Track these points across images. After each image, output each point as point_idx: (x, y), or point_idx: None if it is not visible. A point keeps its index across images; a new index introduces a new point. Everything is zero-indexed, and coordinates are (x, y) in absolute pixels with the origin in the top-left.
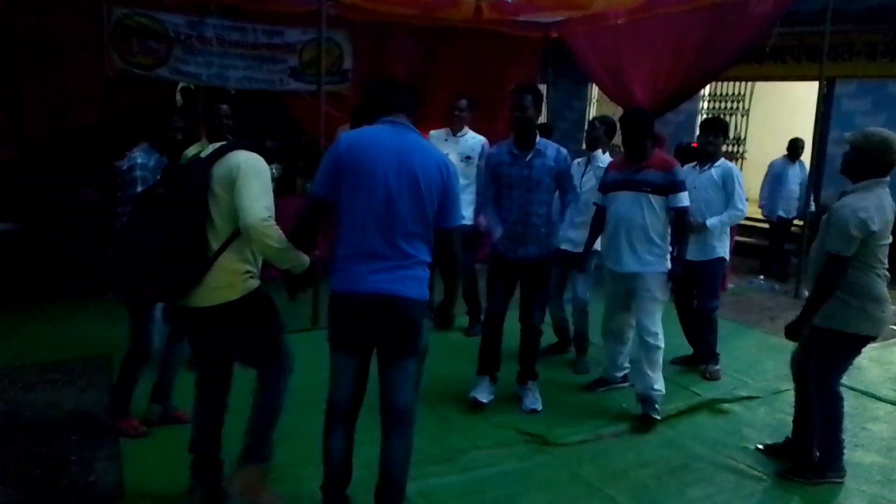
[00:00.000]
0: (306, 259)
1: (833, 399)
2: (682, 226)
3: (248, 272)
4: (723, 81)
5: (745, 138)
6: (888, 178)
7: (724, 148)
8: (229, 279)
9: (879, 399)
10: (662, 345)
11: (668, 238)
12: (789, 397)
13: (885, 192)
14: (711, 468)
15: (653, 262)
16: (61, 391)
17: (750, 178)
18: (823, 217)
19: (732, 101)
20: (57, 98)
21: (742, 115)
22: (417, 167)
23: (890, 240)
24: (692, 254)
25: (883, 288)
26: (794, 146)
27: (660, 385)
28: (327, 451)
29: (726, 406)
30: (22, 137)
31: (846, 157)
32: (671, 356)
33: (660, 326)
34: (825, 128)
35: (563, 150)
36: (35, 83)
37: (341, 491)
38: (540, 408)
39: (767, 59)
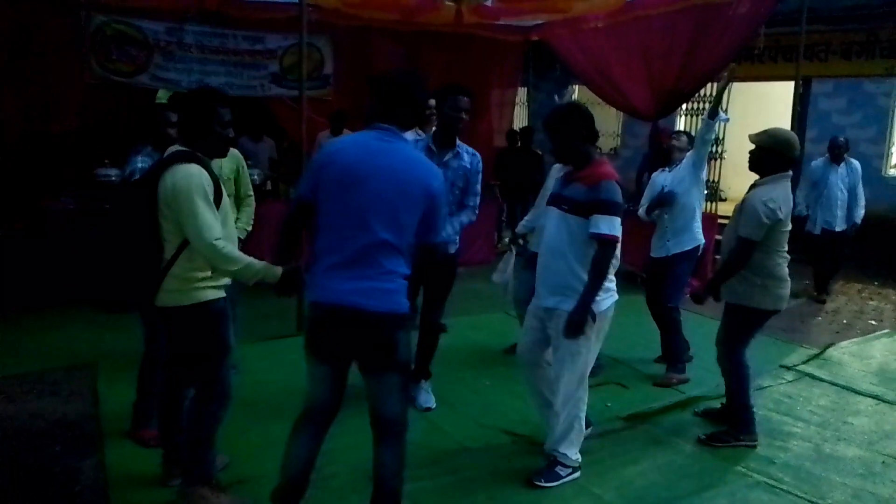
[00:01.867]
0: (276, 270)
1: (739, 367)
2: (598, 260)
3: (202, 280)
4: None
5: (723, 138)
6: (790, 173)
7: None
8: (180, 285)
9: (860, 393)
10: (582, 409)
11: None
12: (772, 393)
13: (788, 185)
14: (698, 466)
15: (570, 300)
16: (45, 401)
17: (729, 177)
18: (736, 205)
19: (709, 102)
20: (36, 105)
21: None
22: (394, 177)
23: (790, 227)
24: (664, 249)
25: (784, 269)
26: (835, 146)
27: (567, 450)
28: (288, 455)
29: (711, 403)
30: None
31: (753, 156)
32: (653, 354)
33: (576, 385)
34: (802, 127)
35: (478, 155)
36: (13, 89)
37: (296, 499)
38: (434, 405)
39: (745, 60)
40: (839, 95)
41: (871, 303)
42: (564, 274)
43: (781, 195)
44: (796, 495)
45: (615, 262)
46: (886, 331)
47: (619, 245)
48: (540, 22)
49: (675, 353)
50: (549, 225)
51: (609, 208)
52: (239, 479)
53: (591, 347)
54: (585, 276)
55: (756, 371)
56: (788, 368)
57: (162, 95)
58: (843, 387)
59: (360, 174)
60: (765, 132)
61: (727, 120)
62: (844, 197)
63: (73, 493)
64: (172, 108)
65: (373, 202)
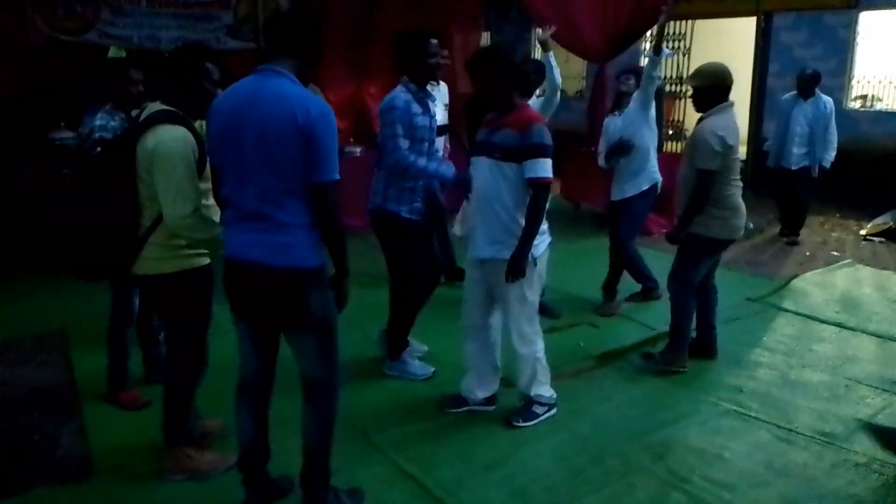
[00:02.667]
0: None
1: (686, 294)
2: (537, 203)
3: (184, 247)
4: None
5: (686, 76)
6: (732, 101)
7: (666, 88)
8: (161, 253)
9: (823, 322)
10: (540, 348)
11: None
12: (740, 325)
13: (733, 113)
14: (671, 398)
15: (508, 248)
16: (17, 370)
17: (693, 116)
18: (686, 143)
19: (673, 41)
20: None
21: (683, 54)
22: (262, 115)
23: (740, 154)
24: (622, 192)
25: (738, 198)
26: (801, 79)
27: (539, 389)
28: (238, 428)
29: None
30: None
31: (696, 97)
32: (623, 294)
33: (528, 324)
34: (765, 61)
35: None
36: None
37: (257, 469)
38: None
39: None
40: (800, 28)
41: (833, 234)
42: (502, 222)
43: (729, 123)
44: (764, 421)
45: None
46: (848, 261)
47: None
48: None
49: (645, 282)
50: (479, 175)
51: (542, 151)
52: (228, 435)
53: (534, 290)
54: (523, 222)
55: (724, 305)
56: (754, 301)
57: (113, 53)
58: (808, 316)
59: (235, 121)
60: (698, 71)
61: (671, 54)
62: (804, 133)
63: (54, 460)
64: (135, 65)
65: (251, 149)
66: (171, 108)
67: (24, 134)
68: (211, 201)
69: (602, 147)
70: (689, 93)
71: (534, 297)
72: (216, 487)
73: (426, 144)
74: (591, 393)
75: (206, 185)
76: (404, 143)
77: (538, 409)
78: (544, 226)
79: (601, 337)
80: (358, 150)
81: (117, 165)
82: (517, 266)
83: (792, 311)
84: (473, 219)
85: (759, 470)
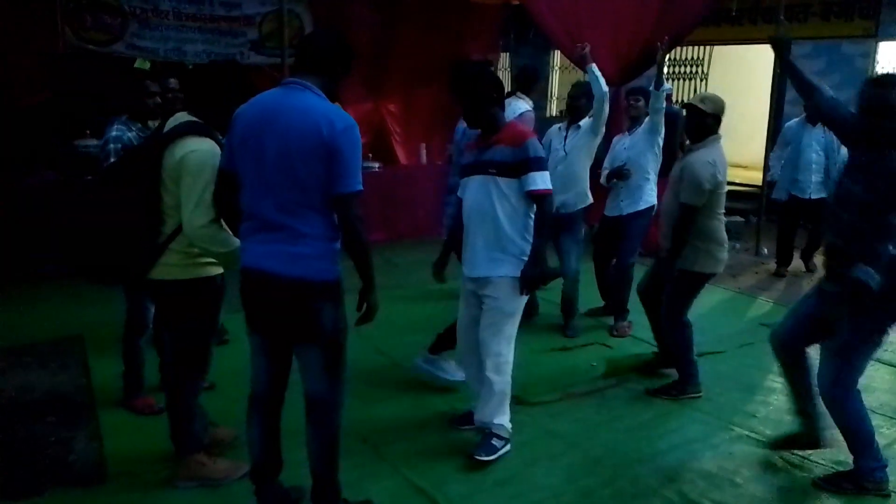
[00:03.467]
0: None
1: (682, 328)
2: (543, 215)
3: (200, 256)
4: (682, 46)
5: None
6: (720, 133)
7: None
8: (179, 259)
9: None
10: (509, 380)
11: (531, 233)
12: (753, 350)
13: (721, 146)
14: (683, 421)
15: (504, 264)
16: (34, 374)
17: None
18: (674, 173)
19: (691, 66)
20: (9, 76)
21: (701, 80)
22: (286, 127)
23: (726, 188)
24: (618, 209)
25: (723, 232)
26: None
27: (501, 419)
28: (248, 440)
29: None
30: None
31: (696, 121)
32: (585, 307)
33: (507, 347)
34: (782, 89)
35: None
36: None
37: (269, 480)
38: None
39: (725, 22)
40: (818, 57)
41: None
42: (498, 238)
43: (718, 158)
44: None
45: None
46: None
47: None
48: None
49: (623, 304)
50: (472, 194)
51: (539, 164)
52: (241, 444)
53: (518, 313)
54: (518, 238)
55: (737, 329)
56: (768, 326)
57: (139, 64)
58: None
59: (258, 133)
60: (707, 97)
61: (670, 90)
62: (821, 160)
63: (68, 463)
64: (152, 77)
65: (272, 161)
66: (198, 120)
67: (48, 142)
68: None
69: (607, 163)
70: (690, 115)
71: (517, 316)
72: (228, 495)
73: None
74: (603, 413)
75: None
76: None
77: (497, 443)
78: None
79: (613, 357)
80: (376, 165)
81: (142, 173)
82: (531, 277)
83: None
84: (466, 237)
85: (770, 496)
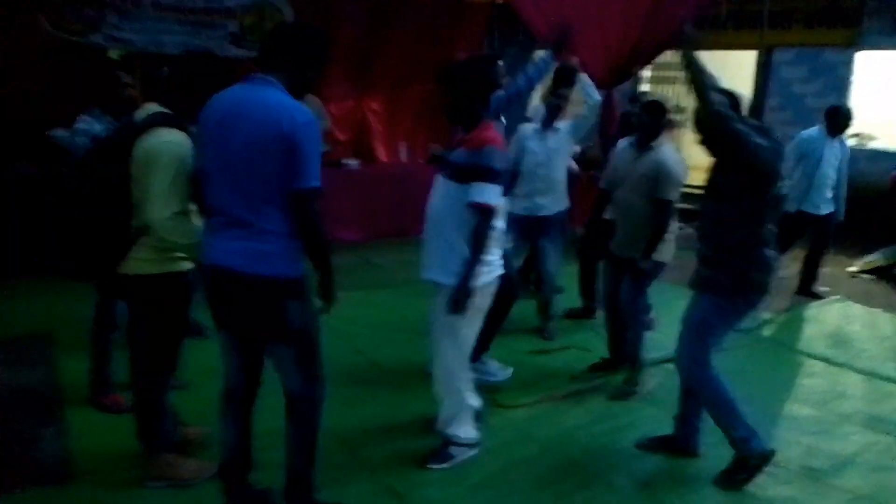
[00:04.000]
0: None
1: (640, 314)
2: (476, 231)
3: (171, 250)
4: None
5: (685, 107)
6: None
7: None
8: (149, 254)
9: (814, 356)
10: (465, 387)
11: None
12: (731, 356)
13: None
14: (660, 426)
15: (453, 273)
16: (2, 370)
17: (689, 145)
18: (636, 172)
19: (674, 70)
20: None
21: (683, 84)
22: (249, 123)
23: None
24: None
25: (675, 223)
26: (836, 116)
27: (456, 429)
28: (221, 437)
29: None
30: None
31: (649, 124)
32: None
33: (458, 364)
34: (763, 96)
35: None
36: None
37: (238, 478)
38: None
39: (708, 27)
40: (800, 64)
41: (824, 270)
42: (445, 244)
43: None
44: None
45: (496, 234)
46: (838, 297)
47: (496, 215)
48: None
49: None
50: (434, 192)
51: (485, 174)
52: (211, 444)
53: (470, 323)
54: (462, 248)
55: None
56: (746, 332)
57: (112, 54)
58: (798, 350)
59: (224, 129)
60: (650, 99)
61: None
62: (835, 177)
63: (35, 462)
64: (126, 69)
65: (236, 156)
66: (170, 112)
67: (24, 134)
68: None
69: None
70: (685, 118)
71: (468, 329)
72: (197, 495)
73: None
74: (581, 417)
75: None
76: None
77: (454, 451)
78: (493, 256)
79: (592, 360)
80: (356, 163)
81: (112, 165)
82: (456, 297)
83: (782, 345)
84: (424, 237)
85: (744, 501)
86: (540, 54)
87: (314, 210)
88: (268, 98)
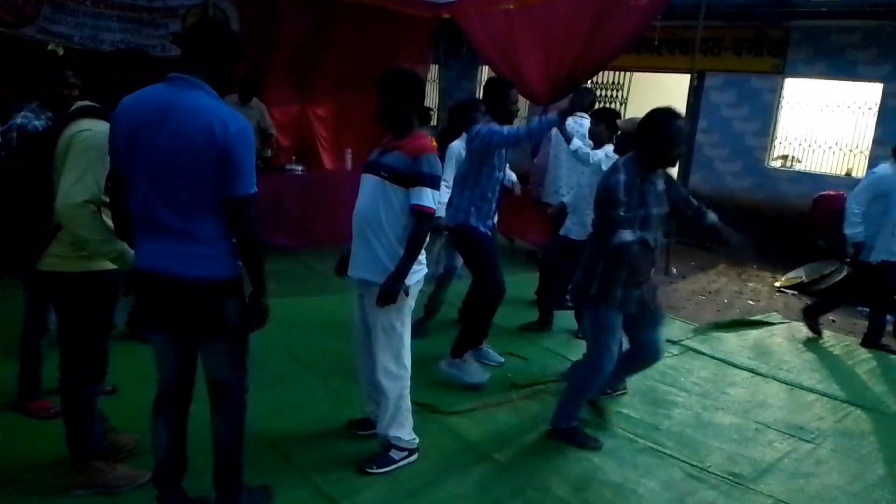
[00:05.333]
0: (132, 255)
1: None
2: (416, 232)
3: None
4: (604, 70)
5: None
6: None
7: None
8: (69, 251)
9: (737, 367)
10: (405, 386)
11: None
12: (658, 365)
13: None
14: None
15: (381, 272)
16: None
17: None
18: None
19: (612, 90)
20: None
21: (620, 104)
22: (177, 128)
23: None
24: (576, 232)
25: None
26: None
27: (398, 432)
28: (154, 440)
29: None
30: None
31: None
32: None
33: (395, 360)
34: (695, 118)
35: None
36: None
37: (173, 483)
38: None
39: (645, 51)
40: (729, 89)
41: (749, 285)
42: (378, 245)
43: None
44: (678, 459)
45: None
46: (763, 309)
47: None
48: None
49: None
50: (362, 193)
51: (429, 181)
52: (142, 452)
53: (404, 322)
54: (398, 248)
55: None
56: (674, 343)
57: (53, 47)
58: (722, 360)
59: (147, 131)
60: (631, 121)
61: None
62: None
63: None
64: (73, 68)
65: (164, 162)
66: (97, 105)
67: None
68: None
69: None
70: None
71: (403, 328)
72: (127, 503)
73: (502, 174)
74: (517, 425)
75: None
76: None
77: (395, 455)
78: (422, 256)
79: (528, 369)
80: (300, 168)
81: (38, 159)
82: (389, 291)
83: (708, 355)
84: (353, 237)
85: None
86: (549, 116)
87: (249, 216)
88: (197, 102)
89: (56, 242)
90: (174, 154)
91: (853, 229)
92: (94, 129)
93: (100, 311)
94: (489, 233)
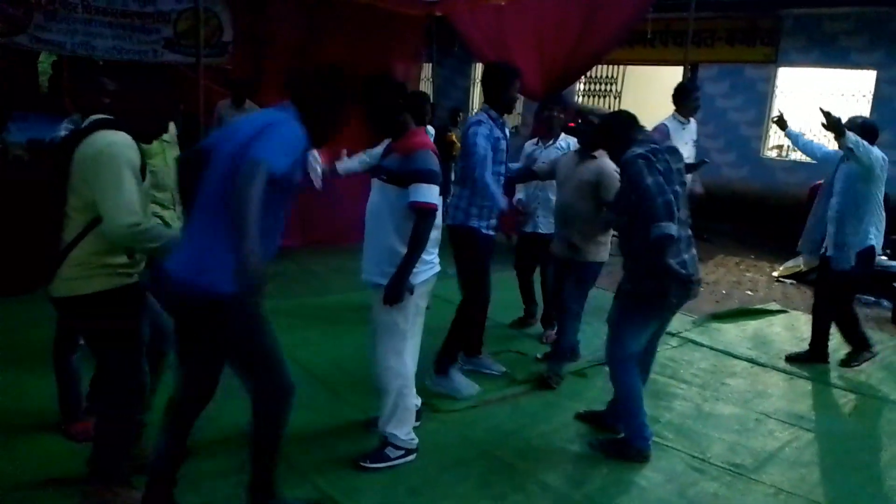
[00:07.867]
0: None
1: (578, 312)
2: (419, 230)
3: (106, 266)
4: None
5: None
6: None
7: None
8: (80, 272)
9: (737, 357)
10: (405, 385)
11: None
12: (658, 358)
13: None
14: (588, 426)
15: (387, 274)
16: None
17: None
18: (583, 177)
19: (606, 84)
20: None
21: (615, 98)
22: (228, 140)
23: None
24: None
25: None
26: None
27: (395, 430)
28: (155, 443)
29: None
30: None
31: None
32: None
33: (395, 359)
34: None
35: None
36: None
37: (160, 487)
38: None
39: (638, 44)
40: (723, 80)
41: (747, 275)
42: (383, 246)
43: None
44: (679, 450)
45: (436, 234)
46: (761, 299)
47: (438, 215)
48: None
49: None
50: (371, 197)
51: (424, 177)
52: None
53: (408, 320)
54: (402, 249)
55: None
56: (673, 335)
57: (44, 59)
58: (722, 351)
59: (218, 149)
60: (605, 114)
61: None
62: None
63: None
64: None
65: (209, 172)
66: (111, 117)
67: None
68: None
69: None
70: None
71: (406, 327)
72: None
73: (502, 167)
74: (516, 420)
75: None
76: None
77: (391, 452)
78: (430, 255)
79: (527, 364)
80: None
81: (51, 174)
82: (393, 291)
83: (707, 346)
84: (364, 241)
85: (672, 498)
86: (500, 203)
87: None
88: (252, 120)
89: (67, 264)
90: (218, 166)
91: None
92: (119, 142)
93: (125, 330)
94: (492, 233)
